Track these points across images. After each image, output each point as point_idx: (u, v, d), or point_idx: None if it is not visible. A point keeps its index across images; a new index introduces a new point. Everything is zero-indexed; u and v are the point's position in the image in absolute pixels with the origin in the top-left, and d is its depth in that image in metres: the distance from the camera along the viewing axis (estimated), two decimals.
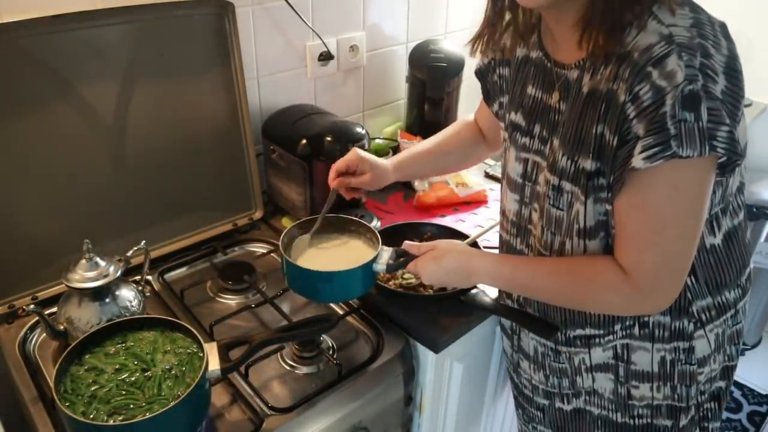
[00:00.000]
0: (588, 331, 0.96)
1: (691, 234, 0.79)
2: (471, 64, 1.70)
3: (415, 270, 0.98)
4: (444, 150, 1.22)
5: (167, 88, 1.20)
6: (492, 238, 1.25)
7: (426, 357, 1.12)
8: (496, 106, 1.09)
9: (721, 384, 1.00)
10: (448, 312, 1.10)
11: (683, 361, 0.93)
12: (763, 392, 2.23)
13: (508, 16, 0.93)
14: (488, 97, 1.11)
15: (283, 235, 1.07)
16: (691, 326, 0.91)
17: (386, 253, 1.01)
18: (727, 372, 1.00)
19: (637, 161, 0.73)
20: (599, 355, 0.97)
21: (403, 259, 1.01)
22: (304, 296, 1.10)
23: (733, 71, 0.73)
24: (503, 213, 1.06)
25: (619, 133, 0.77)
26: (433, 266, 0.96)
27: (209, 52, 1.24)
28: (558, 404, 1.08)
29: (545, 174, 0.91)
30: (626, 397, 0.98)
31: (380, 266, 1.00)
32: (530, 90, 0.95)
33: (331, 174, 1.14)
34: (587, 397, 1.03)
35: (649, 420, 0.99)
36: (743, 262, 0.93)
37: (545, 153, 0.92)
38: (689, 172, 0.74)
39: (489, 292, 1.13)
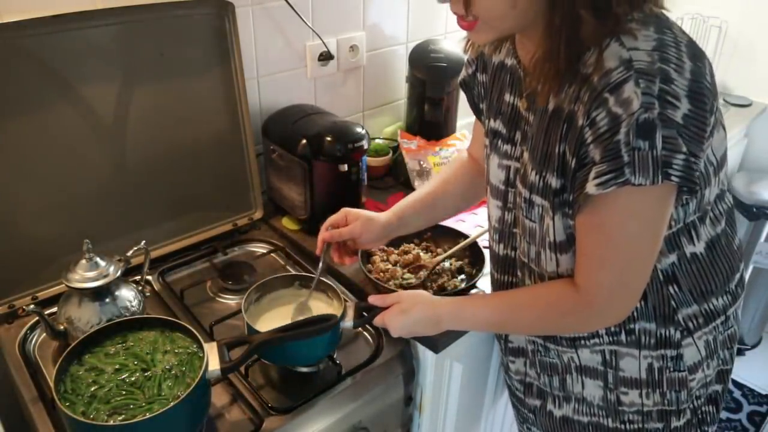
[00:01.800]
0: (571, 333, 0.96)
1: (647, 255, 0.80)
2: None
3: (383, 323, 0.97)
4: (444, 190, 1.15)
5: (167, 88, 1.20)
6: None
7: (426, 357, 1.12)
8: (482, 109, 1.08)
9: (717, 387, 0.99)
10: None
11: (671, 369, 0.92)
12: (763, 392, 2.23)
13: None
14: (476, 109, 1.08)
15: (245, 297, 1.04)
16: (678, 334, 0.90)
17: (351, 310, 0.99)
18: (723, 376, 0.99)
19: (591, 187, 0.74)
20: (587, 356, 0.96)
21: (366, 315, 0.99)
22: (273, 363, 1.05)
23: (698, 94, 0.72)
24: (488, 220, 1.06)
25: (577, 156, 0.77)
26: (401, 319, 0.95)
27: (209, 52, 1.24)
28: (549, 407, 1.08)
29: (519, 187, 0.92)
30: (616, 403, 0.97)
31: (347, 323, 0.98)
32: (507, 97, 0.94)
33: (320, 235, 1.08)
34: (576, 405, 1.02)
35: (640, 425, 0.98)
36: (731, 268, 0.92)
37: (525, 157, 0.93)
38: (645, 198, 0.75)
39: (489, 292, 1.13)
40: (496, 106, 0.97)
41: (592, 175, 0.74)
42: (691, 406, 0.97)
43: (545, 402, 1.08)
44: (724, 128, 0.82)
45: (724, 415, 2.13)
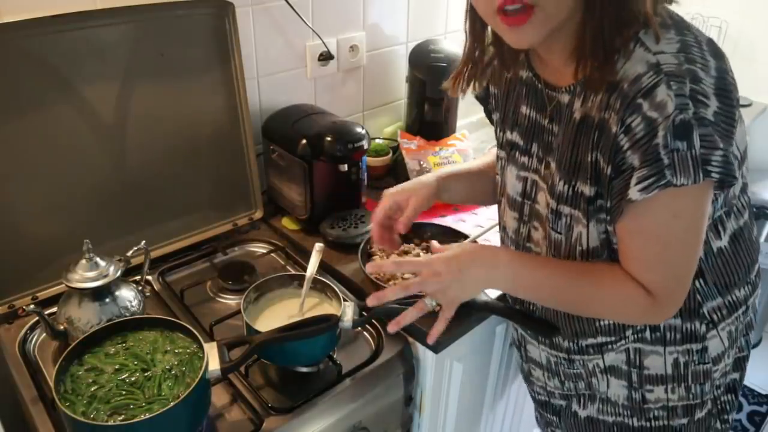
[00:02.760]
0: (600, 339, 0.96)
1: (694, 248, 0.80)
2: None
3: (431, 273, 0.87)
4: (485, 173, 1.12)
5: (167, 88, 1.20)
6: (492, 238, 1.25)
7: (426, 357, 1.12)
8: (494, 120, 1.07)
9: (735, 375, 1.01)
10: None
11: (696, 362, 0.93)
12: (763, 392, 2.23)
13: (490, 50, 0.90)
14: (492, 118, 1.08)
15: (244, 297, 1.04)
16: (704, 327, 0.91)
17: (350, 310, 0.99)
18: (740, 363, 1.01)
19: (634, 193, 0.74)
20: (612, 357, 0.97)
21: (366, 315, 0.99)
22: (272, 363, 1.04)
23: (725, 90, 0.72)
24: (504, 229, 1.06)
25: (614, 164, 0.77)
26: (451, 273, 0.87)
27: (209, 52, 1.24)
28: (574, 407, 1.08)
29: (545, 195, 0.91)
30: (641, 402, 0.98)
31: (346, 323, 0.98)
32: (524, 110, 0.94)
33: (375, 234, 1.04)
34: (601, 406, 1.03)
35: (665, 421, 0.99)
36: (751, 259, 0.94)
37: (542, 173, 0.93)
38: (686, 198, 0.75)
39: (489, 292, 1.13)
40: (512, 118, 0.97)
41: (633, 180, 0.74)
42: (712, 396, 0.98)
43: (570, 402, 1.09)
44: (743, 122, 0.82)
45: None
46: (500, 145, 1.01)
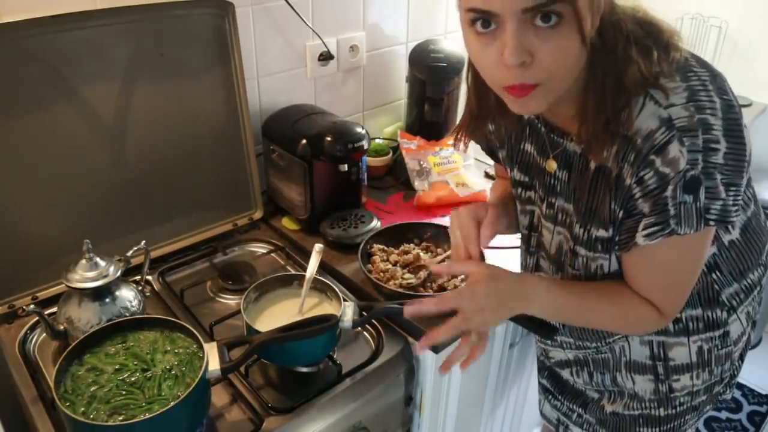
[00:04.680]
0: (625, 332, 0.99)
1: (697, 270, 0.85)
2: None
3: (467, 322, 0.86)
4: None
5: (167, 88, 1.20)
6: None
7: (426, 357, 1.12)
8: (501, 157, 1.05)
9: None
10: (448, 312, 1.10)
11: (719, 347, 0.96)
12: (763, 392, 2.22)
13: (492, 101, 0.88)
14: (492, 154, 1.07)
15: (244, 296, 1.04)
16: (725, 314, 0.94)
17: (350, 310, 0.99)
18: (753, 326, 1.04)
19: (639, 238, 0.79)
20: (637, 348, 0.99)
21: (366, 314, 0.99)
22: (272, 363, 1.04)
23: (733, 127, 0.74)
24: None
25: (625, 209, 0.80)
26: (489, 299, 0.86)
27: (209, 52, 1.23)
28: (603, 401, 1.10)
29: (562, 235, 0.94)
30: (668, 392, 1.01)
31: (346, 323, 0.98)
32: (526, 147, 0.96)
33: (478, 238, 0.96)
34: (628, 401, 1.05)
35: (689, 405, 1.03)
36: (762, 242, 0.96)
37: (544, 211, 0.95)
38: (692, 239, 0.78)
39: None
40: (514, 155, 0.98)
41: (641, 226, 0.79)
42: (731, 372, 1.02)
43: (602, 396, 1.10)
44: (746, 126, 0.83)
45: (723, 415, 2.13)
46: (512, 184, 1.02)
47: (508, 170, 1.01)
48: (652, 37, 0.76)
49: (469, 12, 0.70)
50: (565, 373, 1.14)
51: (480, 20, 0.70)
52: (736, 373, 1.06)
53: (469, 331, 0.88)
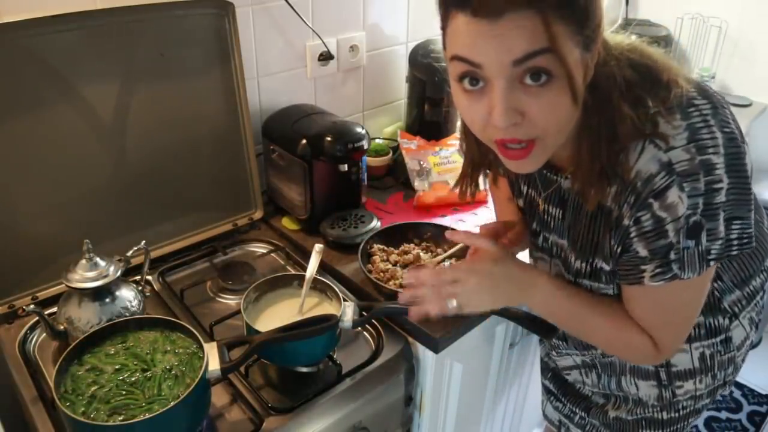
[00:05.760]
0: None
1: (698, 308, 0.85)
2: None
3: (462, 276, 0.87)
4: None
5: (167, 88, 1.20)
6: None
7: (426, 357, 1.12)
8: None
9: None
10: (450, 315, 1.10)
11: (722, 353, 0.96)
12: (763, 392, 2.22)
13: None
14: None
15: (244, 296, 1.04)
16: (727, 321, 0.94)
17: (350, 310, 0.99)
18: (752, 325, 1.03)
19: (647, 280, 0.79)
20: None
21: (366, 314, 0.99)
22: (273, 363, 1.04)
23: (735, 164, 0.72)
24: None
25: (623, 245, 0.80)
26: (486, 270, 0.87)
27: (209, 52, 1.23)
28: (608, 407, 1.10)
29: (558, 268, 0.94)
30: (671, 398, 1.00)
31: (346, 323, 0.98)
32: (523, 187, 0.97)
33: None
34: (633, 406, 1.05)
35: (692, 408, 1.03)
36: (765, 250, 0.96)
37: (538, 244, 0.97)
38: (692, 280, 0.78)
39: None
40: (517, 187, 1.00)
41: (647, 270, 0.78)
42: (732, 375, 1.02)
43: (608, 401, 1.10)
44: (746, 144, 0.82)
45: (723, 415, 2.13)
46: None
47: (516, 197, 1.03)
48: (649, 80, 0.74)
49: (455, 62, 0.68)
50: (573, 375, 1.13)
51: (468, 77, 0.69)
52: (739, 366, 1.05)
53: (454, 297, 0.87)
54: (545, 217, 0.93)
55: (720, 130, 0.73)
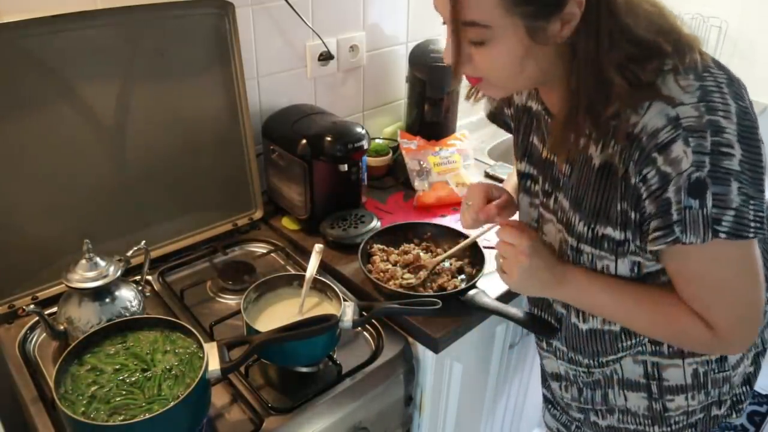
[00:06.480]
0: (620, 355, 0.96)
1: (755, 288, 0.78)
2: None
3: (502, 263, 0.91)
4: None
5: (167, 88, 1.20)
6: (492, 238, 1.25)
7: (426, 357, 1.12)
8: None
9: (751, 369, 1.01)
10: (448, 312, 1.10)
11: (716, 371, 0.94)
12: (763, 392, 2.22)
13: None
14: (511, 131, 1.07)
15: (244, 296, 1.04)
16: None
17: (350, 310, 0.99)
18: (757, 358, 1.01)
19: (650, 244, 0.77)
20: (630, 367, 0.97)
21: (366, 314, 0.99)
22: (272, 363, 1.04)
23: (748, 134, 0.71)
24: None
25: (638, 210, 0.78)
26: (522, 261, 0.88)
27: (209, 52, 1.24)
28: (593, 418, 1.08)
29: (554, 228, 0.93)
30: (662, 411, 0.98)
31: (346, 323, 0.98)
32: (535, 140, 0.95)
33: (482, 206, 1.03)
34: (621, 416, 1.03)
35: (685, 422, 0.99)
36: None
37: (550, 206, 0.94)
38: (725, 250, 0.74)
39: (489, 292, 1.13)
40: (522, 147, 0.97)
41: (650, 230, 0.76)
42: (732, 394, 0.99)
43: (588, 416, 1.09)
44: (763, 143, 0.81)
45: None
46: (517, 174, 1.02)
47: (518, 162, 1.00)
48: (664, 37, 0.74)
49: None
50: (554, 385, 1.12)
51: (443, 20, 0.77)
52: (743, 398, 1.02)
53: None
54: (556, 173, 0.90)
55: (734, 101, 0.72)
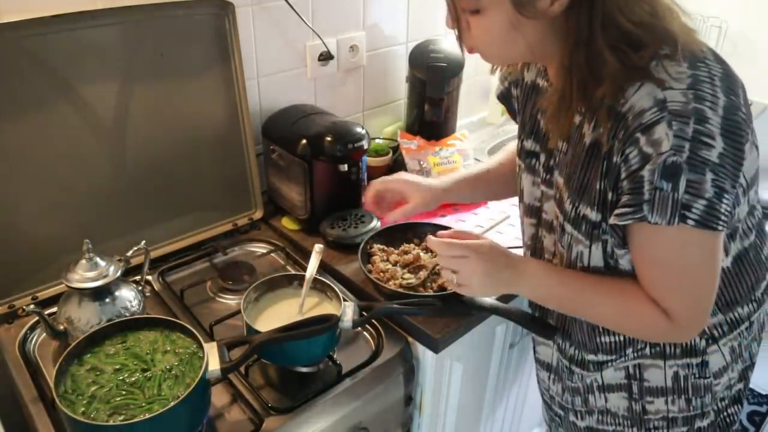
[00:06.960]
0: (600, 357, 0.96)
1: (711, 277, 0.80)
2: (471, 63, 1.71)
3: (456, 277, 0.94)
4: (500, 172, 1.18)
5: (167, 88, 1.20)
6: (493, 237, 1.25)
7: (426, 357, 1.12)
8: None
9: (740, 386, 1.00)
10: (448, 312, 1.10)
11: (696, 375, 0.93)
12: (763, 392, 2.23)
13: None
14: (516, 116, 1.09)
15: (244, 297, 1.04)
16: (703, 342, 0.91)
17: (350, 310, 0.99)
18: (745, 373, 1.00)
19: (612, 217, 0.78)
20: (611, 375, 0.97)
21: (366, 314, 0.99)
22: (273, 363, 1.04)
23: (733, 130, 0.72)
24: (522, 233, 1.08)
25: (615, 191, 0.79)
26: (481, 266, 0.91)
27: (209, 52, 1.23)
28: (572, 418, 1.09)
29: (554, 206, 0.93)
30: (641, 413, 0.98)
31: (346, 323, 0.98)
32: (539, 116, 0.95)
33: (369, 195, 1.18)
34: (600, 416, 1.03)
35: (665, 430, 0.99)
36: (757, 277, 0.93)
37: (551, 183, 0.94)
38: (691, 236, 0.75)
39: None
40: (529, 126, 0.98)
41: (619, 205, 0.77)
42: (715, 407, 0.98)
43: (567, 414, 1.09)
44: (757, 148, 0.81)
45: None
46: (519, 154, 1.02)
47: (520, 142, 1.01)
48: (660, 22, 0.74)
49: None
50: (543, 375, 1.13)
51: None
52: (735, 418, 1.01)
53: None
54: (559, 155, 0.91)
55: (724, 94, 0.72)
